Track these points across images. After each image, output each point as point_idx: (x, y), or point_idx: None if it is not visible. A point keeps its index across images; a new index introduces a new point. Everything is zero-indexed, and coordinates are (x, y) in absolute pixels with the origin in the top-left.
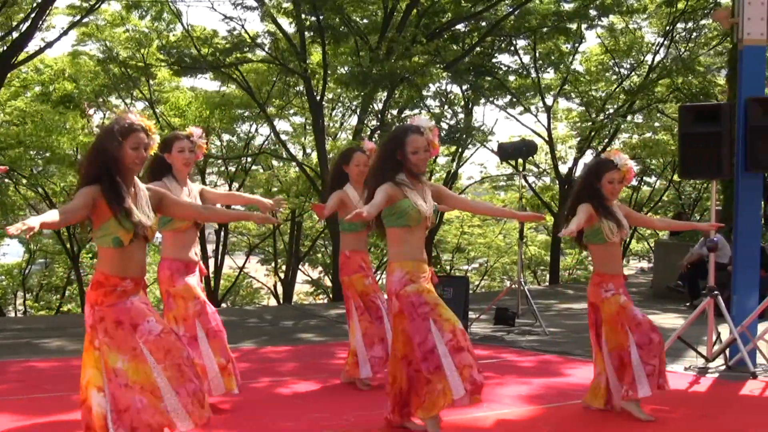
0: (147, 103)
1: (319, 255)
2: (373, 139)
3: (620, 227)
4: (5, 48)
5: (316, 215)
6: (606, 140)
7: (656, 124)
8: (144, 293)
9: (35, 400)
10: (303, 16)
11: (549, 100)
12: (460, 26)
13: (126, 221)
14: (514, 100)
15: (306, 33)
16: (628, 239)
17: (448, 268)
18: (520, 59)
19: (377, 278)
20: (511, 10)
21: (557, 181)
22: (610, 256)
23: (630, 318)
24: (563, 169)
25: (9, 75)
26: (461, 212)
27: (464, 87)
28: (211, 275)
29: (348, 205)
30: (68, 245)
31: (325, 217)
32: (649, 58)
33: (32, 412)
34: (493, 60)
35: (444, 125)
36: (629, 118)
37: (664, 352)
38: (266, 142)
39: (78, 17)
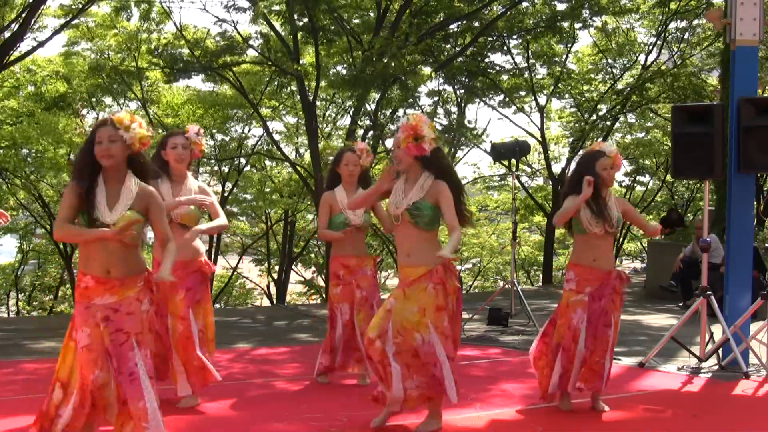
0: (140, 104)
1: (312, 255)
2: (366, 139)
3: (601, 219)
4: None
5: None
6: (599, 140)
7: (649, 123)
8: (121, 296)
9: (26, 401)
10: (295, 16)
11: (542, 100)
12: (453, 26)
13: (83, 218)
14: (507, 99)
15: (298, 33)
16: (620, 238)
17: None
18: (513, 59)
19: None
20: (504, 10)
21: (550, 182)
22: (588, 247)
23: (567, 318)
24: (556, 169)
25: (1, 75)
26: None
27: (457, 87)
28: None
29: (334, 207)
30: (61, 245)
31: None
32: (642, 58)
33: (23, 413)
34: (486, 60)
35: (437, 125)
36: (622, 117)
37: (576, 362)
38: (259, 143)
39: (68, 18)
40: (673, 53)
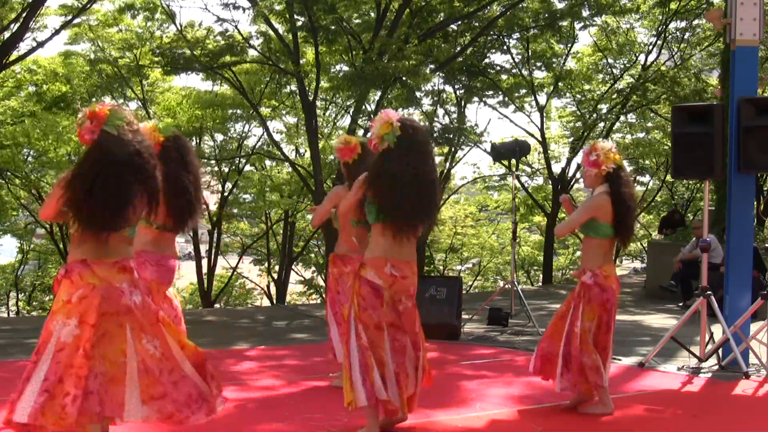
0: (140, 104)
1: (312, 255)
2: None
3: None
4: None
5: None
6: (599, 140)
7: (649, 123)
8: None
9: None
10: (295, 16)
11: (542, 100)
12: (452, 26)
13: None
14: (507, 99)
15: (298, 33)
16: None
17: (441, 268)
18: (512, 58)
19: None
20: (503, 9)
21: (550, 181)
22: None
23: None
24: (556, 168)
25: (2, 75)
26: (455, 212)
27: (457, 86)
28: (204, 275)
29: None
30: (61, 245)
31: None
32: (642, 58)
33: None
34: (486, 59)
35: (437, 125)
36: (622, 117)
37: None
38: (259, 143)
39: (70, 17)
40: (673, 53)
